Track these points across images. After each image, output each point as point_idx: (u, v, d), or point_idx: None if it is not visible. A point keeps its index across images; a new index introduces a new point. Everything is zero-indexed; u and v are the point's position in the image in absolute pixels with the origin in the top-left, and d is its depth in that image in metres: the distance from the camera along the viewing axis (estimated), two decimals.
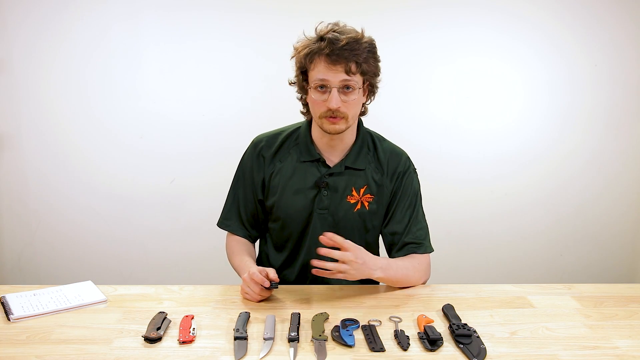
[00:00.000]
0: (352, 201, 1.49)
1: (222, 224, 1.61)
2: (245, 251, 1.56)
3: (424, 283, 1.51)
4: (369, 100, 1.50)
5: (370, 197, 1.50)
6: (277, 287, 1.36)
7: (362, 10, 2.34)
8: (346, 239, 1.50)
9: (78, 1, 2.31)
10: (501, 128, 2.52)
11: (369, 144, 1.53)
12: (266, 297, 1.37)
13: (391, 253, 1.54)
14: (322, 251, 1.31)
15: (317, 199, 1.49)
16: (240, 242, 1.59)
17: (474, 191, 2.56)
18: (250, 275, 1.34)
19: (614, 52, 2.45)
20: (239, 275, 1.48)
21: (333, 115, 1.38)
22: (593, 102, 2.50)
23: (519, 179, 2.56)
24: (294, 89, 1.51)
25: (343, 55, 1.33)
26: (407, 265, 1.47)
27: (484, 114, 2.50)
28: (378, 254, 1.62)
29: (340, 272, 1.32)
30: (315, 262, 1.31)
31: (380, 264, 1.39)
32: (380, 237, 1.59)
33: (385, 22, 2.37)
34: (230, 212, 1.60)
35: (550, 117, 2.51)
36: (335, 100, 1.36)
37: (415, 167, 1.58)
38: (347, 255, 1.32)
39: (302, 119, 1.57)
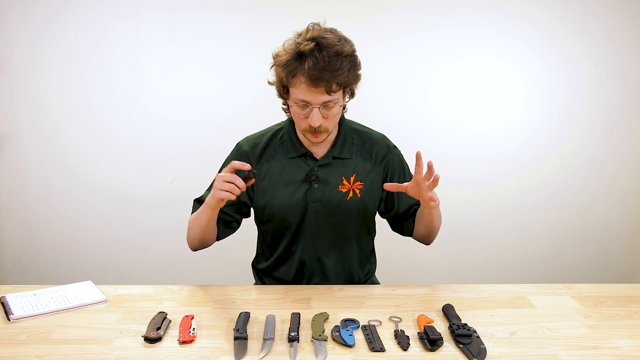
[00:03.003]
0: (344, 190, 1.50)
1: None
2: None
3: (429, 243, 1.60)
4: (349, 99, 1.50)
5: (361, 184, 1.51)
6: (256, 172, 1.32)
7: (362, 11, 2.35)
8: (342, 227, 1.52)
9: (78, 1, 2.31)
10: (501, 128, 2.52)
11: (352, 134, 1.55)
12: (244, 188, 1.31)
13: (412, 219, 1.57)
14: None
15: (309, 192, 1.49)
16: None
17: (474, 191, 2.56)
18: (223, 172, 1.31)
19: (614, 52, 2.45)
20: (203, 214, 1.42)
21: (315, 130, 1.39)
22: (593, 102, 2.50)
23: (519, 179, 2.56)
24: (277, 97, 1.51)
25: (324, 78, 1.31)
26: (438, 215, 1.53)
27: (484, 114, 2.50)
28: (372, 239, 1.65)
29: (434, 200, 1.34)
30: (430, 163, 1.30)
31: None
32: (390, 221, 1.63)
33: (385, 22, 2.38)
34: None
35: (550, 117, 2.51)
36: (316, 119, 1.36)
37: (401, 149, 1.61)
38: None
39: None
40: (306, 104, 1.36)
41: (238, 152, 1.56)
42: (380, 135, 1.59)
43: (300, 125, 1.43)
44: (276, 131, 1.56)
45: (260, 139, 1.55)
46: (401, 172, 1.57)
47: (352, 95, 1.47)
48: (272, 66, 1.41)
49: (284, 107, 1.52)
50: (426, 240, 1.59)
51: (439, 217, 1.52)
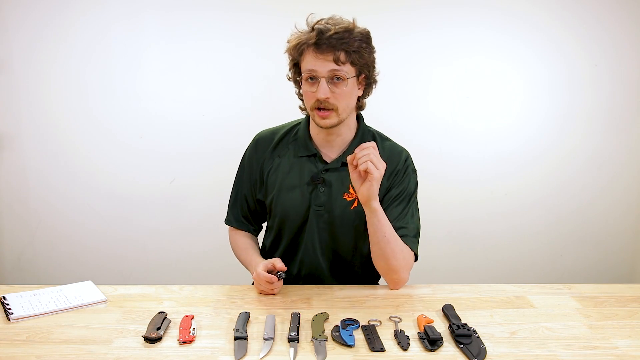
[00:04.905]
0: (349, 199, 1.47)
1: (227, 220, 1.63)
2: (250, 245, 1.59)
3: (395, 284, 1.45)
4: (367, 94, 1.47)
5: None
6: (285, 276, 1.40)
7: (362, 11, 2.31)
8: (343, 236, 1.49)
9: (78, 1, 2.31)
10: (501, 128, 2.52)
11: (367, 141, 1.51)
12: (281, 286, 1.42)
13: None
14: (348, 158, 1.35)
15: (313, 194, 1.47)
16: (244, 236, 1.61)
17: (474, 191, 2.56)
18: (258, 277, 1.38)
19: (614, 52, 2.45)
20: (247, 269, 1.53)
21: (323, 106, 1.36)
22: (593, 102, 2.50)
23: (519, 179, 2.56)
24: (294, 88, 1.50)
25: (331, 44, 1.31)
26: (397, 235, 1.42)
27: (484, 114, 2.50)
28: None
29: (366, 160, 1.30)
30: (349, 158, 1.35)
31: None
32: None
33: (385, 22, 2.38)
34: (234, 208, 1.61)
35: (550, 117, 2.51)
36: (323, 90, 1.34)
37: (416, 167, 1.56)
38: (363, 145, 1.33)
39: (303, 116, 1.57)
40: (314, 77, 1.35)
41: (255, 147, 1.56)
42: (399, 149, 1.52)
43: (308, 104, 1.40)
44: (292, 127, 1.55)
45: (275, 134, 1.55)
46: (400, 194, 1.47)
47: (370, 86, 1.45)
48: (286, 50, 1.42)
49: (302, 106, 1.51)
50: (386, 274, 1.45)
51: (385, 236, 1.38)
